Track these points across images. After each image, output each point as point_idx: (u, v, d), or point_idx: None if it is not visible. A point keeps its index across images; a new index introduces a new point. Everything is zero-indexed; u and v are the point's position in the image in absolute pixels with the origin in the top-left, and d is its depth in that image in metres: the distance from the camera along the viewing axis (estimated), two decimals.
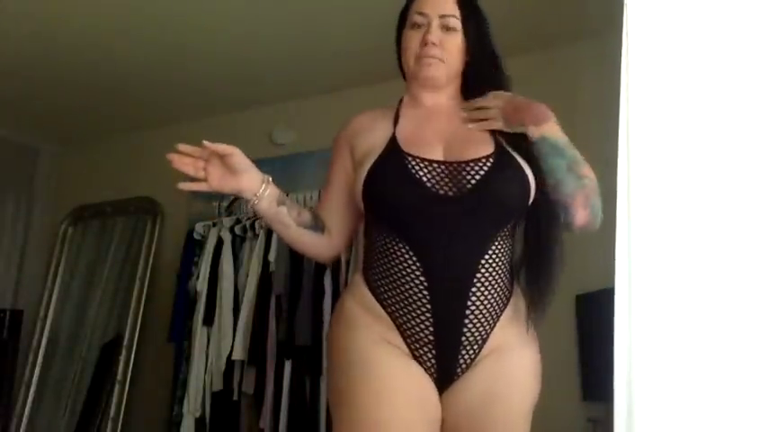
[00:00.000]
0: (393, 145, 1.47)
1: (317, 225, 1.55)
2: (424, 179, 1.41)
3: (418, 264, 1.38)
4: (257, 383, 3.26)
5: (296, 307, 3.24)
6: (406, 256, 1.39)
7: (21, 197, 4.66)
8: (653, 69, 0.96)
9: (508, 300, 1.44)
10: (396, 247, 1.41)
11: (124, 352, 3.94)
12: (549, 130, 1.46)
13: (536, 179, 1.44)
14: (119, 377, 3.90)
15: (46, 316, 4.33)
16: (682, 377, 0.91)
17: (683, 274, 0.93)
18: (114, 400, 3.86)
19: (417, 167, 1.42)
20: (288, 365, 3.23)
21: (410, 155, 1.44)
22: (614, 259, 0.96)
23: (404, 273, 1.39)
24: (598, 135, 3.03)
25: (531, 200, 1.43)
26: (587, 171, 1.47)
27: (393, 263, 1.41)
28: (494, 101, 1.50)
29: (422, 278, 1.37)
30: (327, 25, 3.19)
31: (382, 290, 1.43)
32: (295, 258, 3.33)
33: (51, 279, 4.42)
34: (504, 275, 1.42)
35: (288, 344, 3.21)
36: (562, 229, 1.46)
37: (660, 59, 0.95)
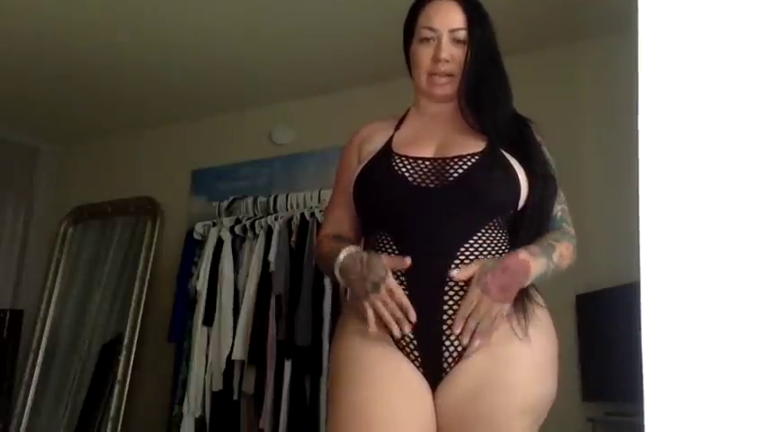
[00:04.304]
0: (386, 147, 1.54)
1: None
2: (407, 174, 1.46)
3: (397, 252, 1.42)
4: (257, 383, 3.26)
5: (296, 307, 3.24)
6: (387, 246, 1.44)
7: (21, 197, 4.65)
8: (670, 59, 0.96)
9: None
10: (381, 240, 1.46)
11: (124, 352, 3.94)
12: (533, 274, 1.40)
13: (529, 179, 1.46)
14: (119, 377, 3.90)
15: (46, 316, 4.33)
16: (713, 374, 0.90)
17: (710, 271, 0.93)
18: (114, 400, 3.86)
19: (401, 164, 1.48)
20: (288, 365, 3.23)
21: (398, 154, 1.51)
22: (638, 254, 0.96)
23: None
24: (598, 131, 3.05)
25: (520, 200, 1.46)
26: (566, 257, 1.47)
27: (378, 253, 1.44)
28: (479, 305, 1.35)
29: None
30: (327, 25, 3.19)
31: None
32: (295, 258, 3.33)
33: (51, 279, 4.42)
34: None
35: (288, 344, 3.21)
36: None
37: (680, 48, 0.95)
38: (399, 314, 1.36)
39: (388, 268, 1.36)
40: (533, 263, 1.38)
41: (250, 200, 3.72)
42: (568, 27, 3.10)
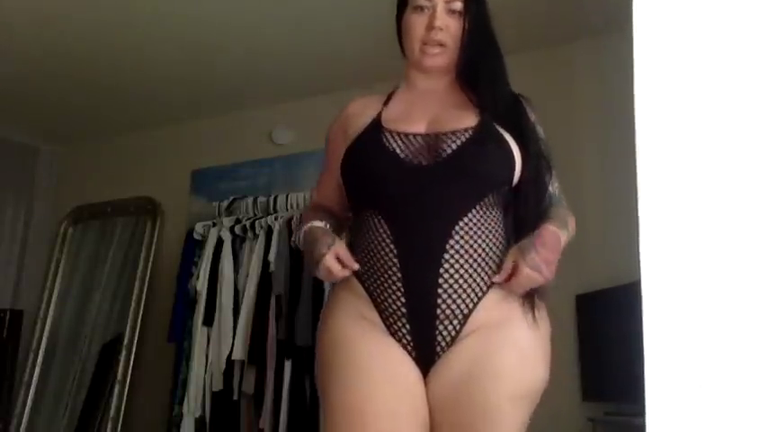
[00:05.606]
0: (375, 123, 1.51)
1: (343, 225, 1.62)
2: (398, 150, 1.43)
3: (389, 232, 1.39)
4: (257, 383, 3.26)
5: (296, 307, 3.24)
6: (378, 225, 1.41)
7: (21, 197, 4.66)
8: (666, 59, 0.96)
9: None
10: (371, 219, 1.43)
11: (124, 352, 3.94)
12: (562, 247, 1.43)
13: (523, 155, 1.45)
14: (119, 377, 3.90)
15: (46, 316, 4.33)
16: (715, 374, 0.90)
17: (710, 270, 0.92)
18: (114, 400, 3.86)
19: (392, 140, 1.45)
20: (288, 365, 3.23)
21: (388, 130, 1.48)
22: (638, 254, 0.95)
23: (376, 242, 1.41)
24: (595, 131, 3.05)
25: (515, 175, 1.44)
26: (573, 232, 1.49)
27: (368, 234, 1.43)
28: (527, 281, 1.37)
29: (392, 246, 1.38)
30: (327, 25, 3.19)
31: (360, 264, 1.44)
32: (295, 258, 3.33)
33: (51, 279, 4.42)
34: (489, 247, 1.40)
35: (288, 344, 3.21)
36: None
37: (674, 47, 0.95)
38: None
39: (331, 247, 1.42)
40: (561, 235, 1.40)
41: (250, 200, 3.72)
42: (566, 26, 3.10)
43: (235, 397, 3.31)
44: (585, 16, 2.96)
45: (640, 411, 1.04)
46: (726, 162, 0.90)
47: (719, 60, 0.92)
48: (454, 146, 1.41)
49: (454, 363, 1.37)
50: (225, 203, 3.79)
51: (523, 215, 1.45)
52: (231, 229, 3.60)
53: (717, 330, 0.88)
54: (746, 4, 0.92)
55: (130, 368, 3.92)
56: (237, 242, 3.59)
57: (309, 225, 1.51)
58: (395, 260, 1.38)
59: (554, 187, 1.53)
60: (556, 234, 1.38)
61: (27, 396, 4.18)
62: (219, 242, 3.57)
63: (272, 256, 3.35)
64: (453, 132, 1.43)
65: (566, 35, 3.16)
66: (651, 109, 0.94)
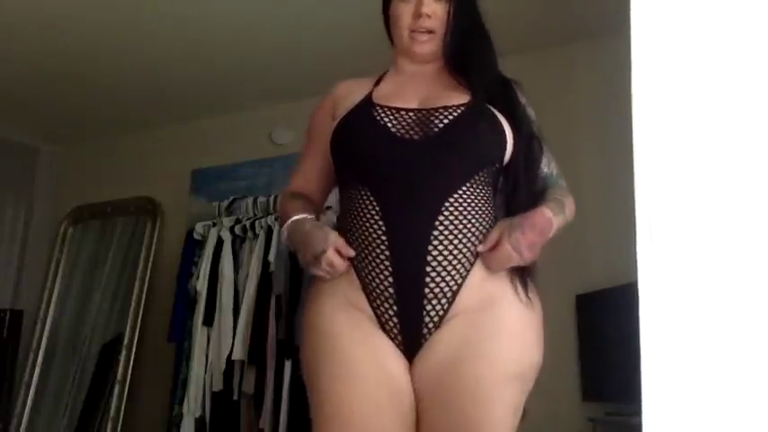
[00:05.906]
0: (367, 99, 1.50)
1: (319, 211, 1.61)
2: (389, 125, 1.42)
3: (378, 208, 1.37)
4: (257, 383, 3.26)
5: (296, 307, 3.23)
6: (367, 201, 1.39)
7: (21, 197, 4.66)
8: (663, 60, 0.96)
9: None
10: (359, 194, 1.41)
11: (124, 352, 3.94)
12: (553, 231, 1.40)
13: (515, 135, 1.44)
14: (119, 377, 3.90)
15: (46, 316, 4.33)
16: (710, 374, 0.90)
17: (708, 270, 0.92)
18: (114, 400, 3.86)
19: (384, 115, 1.44)
20: (288, 365, 3.23)
21: (380, 105, 1.47)
22: (635, 254, 0.96)
23: (364, 219, 1.39)
24: (594, 132, 3.05)
25: (506, 153, 1.44)
26: (571, 214, 1.47)
27: (356, 211, 1.41)
28: (507, 259, 1.35)
29: (380, 222, 1.36)
30: (328, 24, 3.19)
31: (348, 243, 1.41)
32: (295, 258, 3.32)
33: (51, 279, 4.42)
34: (478, 225, 1.38)
35: (288, 344, 3.21)
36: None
37: (671, 49, 0.95)
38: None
39: (330, 241, 1.37)
40: (554, 220, 1.38)
41: (250, 200, 3.72)
42: (564, 28, 3.10)
43: (235, 397, 3.31)
44: (584, 18, 2.96)
45: (640, 411, 1.05)
46: (723, 162, 0.90)
47: (716, 61, 0.92)
48: (446, 120, 1.40)
49: (441, 345, 1.35)
50: (225, 203, 3.79)
51: (514, 194, 1.43)
52: (231, 230, 3.60)
53: (713, 330, 0.88)
54: (742, 5, 0.92)
55: (130, 368, 3.91)
56: (237, 242, 3.59)
57: (295, 219, 1.47)
58: (383, 238, 1.35)
59: (550, 168, 1.53)
60: (549, 220, 1.36)
61: (27, 396, 4.18)
62: (219, 242, 3.57)
63: (272, 256, 3.35)
64: (445, 108, 1.43)
65: (564, 37, 3.16)
66: (649, 110, 0.95)
